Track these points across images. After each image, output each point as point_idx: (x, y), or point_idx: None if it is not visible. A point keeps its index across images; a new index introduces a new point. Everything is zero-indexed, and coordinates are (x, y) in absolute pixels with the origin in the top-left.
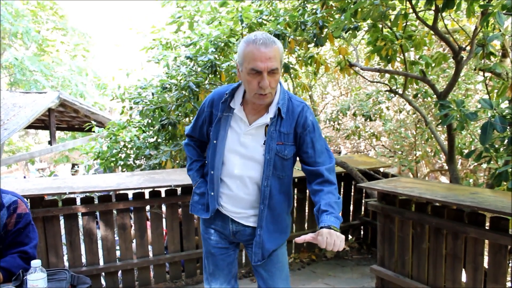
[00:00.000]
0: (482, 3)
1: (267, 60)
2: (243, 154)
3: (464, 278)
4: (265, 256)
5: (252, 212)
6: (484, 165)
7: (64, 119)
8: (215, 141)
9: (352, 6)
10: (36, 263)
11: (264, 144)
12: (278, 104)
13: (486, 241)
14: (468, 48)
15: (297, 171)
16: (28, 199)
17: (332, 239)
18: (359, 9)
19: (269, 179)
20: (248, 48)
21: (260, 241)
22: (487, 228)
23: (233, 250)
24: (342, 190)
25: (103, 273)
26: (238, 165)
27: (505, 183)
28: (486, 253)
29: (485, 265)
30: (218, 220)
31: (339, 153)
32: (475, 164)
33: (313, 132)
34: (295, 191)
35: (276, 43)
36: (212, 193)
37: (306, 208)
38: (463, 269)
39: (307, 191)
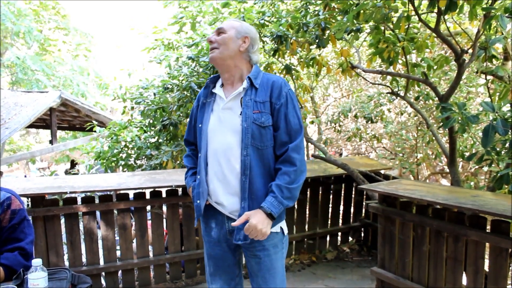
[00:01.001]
0: (484, 6)
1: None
2: (223, 129)
3: (464, 281)
4: (247, 236)
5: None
6: (485, 168)
7: (65, 118)
8: (200, 125)
9: (354, 8)
10: (37, 262)
11: (241, 114)
12: (249, 75)
13: (487, 244)
14: (470, 51)
15: None
16: (29, 198)
17: (257, 231)
18: (362, 11)
19: (248, 148)
20: None
21: (243, 214)
22: (488, 231)
23: (232, 252)
24: (343, 191)
25: (103, 273)
26: (220, 140)
27: (506, 186)
28: (487, 256)
29: (486, 268)
30: (217, 216)
31: (341, 154)
32: (476, 167)
33: (285, 105)
34: None
35: (237, 21)
36: (199, 176)
37: (307, 210)
38: (464, 272)
39: (308, 192)
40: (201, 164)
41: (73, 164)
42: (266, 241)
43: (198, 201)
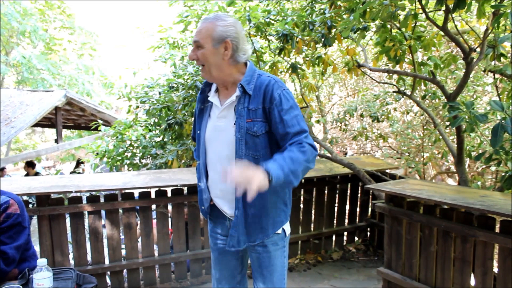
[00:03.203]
0: (493, 3)
1: (195, 34)
2: (218, 138)
3: (473, 282)
4: (241, 242)
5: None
6: (492, 168)
7: (70, 117)
8: (198, 132)
9: (361, 6)
10: (42, 262)
11: (235, 124)
12: (241, 82)
13: (496, 245)
14: (478, 49)
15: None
16: (34, 197)
17: (247, 175)
18: (368, 9)
19: (242, 159)
20: None
21: (237, 223)
22: (497, 231)
23: (237, 252)
24: (349, 191)
25: (109, 272)
26: (216, 150)
27: None
28: (496, 257)
29: (495, 269)
30: (221, 215)
31: (345, 154)
32: (483, 166)
33: (280, 105)
34: (302, 192)
35: (215, 20)
36: (200, 184)
37: (313, 209)
38: (472, 274)
39: (314, 192)
40: (201, 171)
41: (79, 163)
42: (266, 239)
43: (203, 207)
